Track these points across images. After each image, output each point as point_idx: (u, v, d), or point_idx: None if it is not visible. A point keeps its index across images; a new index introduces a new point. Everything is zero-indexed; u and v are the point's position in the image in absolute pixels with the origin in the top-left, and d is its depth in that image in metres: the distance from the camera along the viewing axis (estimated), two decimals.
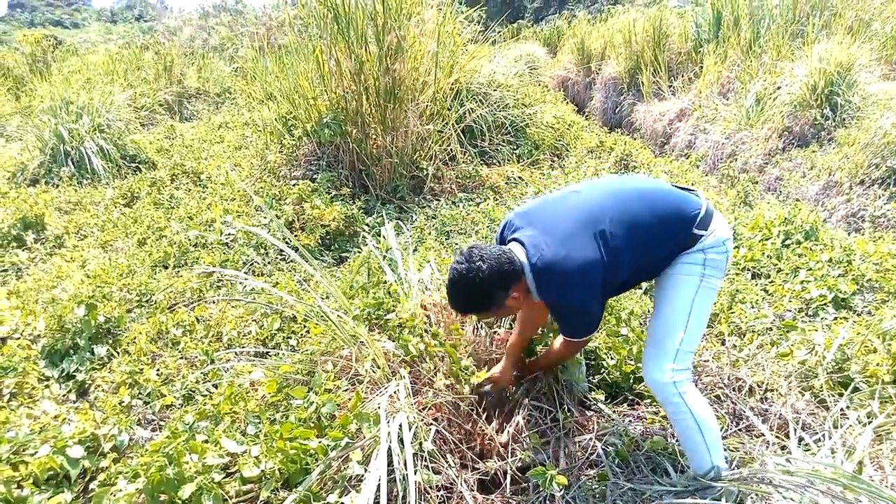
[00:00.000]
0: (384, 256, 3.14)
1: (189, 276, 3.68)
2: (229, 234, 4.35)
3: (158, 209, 4.97)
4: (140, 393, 2.77)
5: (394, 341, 2.52)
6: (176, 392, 2.76)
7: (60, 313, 3.07)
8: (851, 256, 3.38)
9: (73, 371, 2.93)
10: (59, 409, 2.65)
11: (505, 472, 2.30)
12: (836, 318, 2.91)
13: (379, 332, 2.55)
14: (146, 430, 2.63)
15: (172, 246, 4.16)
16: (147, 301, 3.45)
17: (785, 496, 1.83)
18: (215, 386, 2.71)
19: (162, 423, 2.70)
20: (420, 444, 1.99)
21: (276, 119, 5.65)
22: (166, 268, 3.96)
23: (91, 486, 2.32)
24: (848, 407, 2.26)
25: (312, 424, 2.09)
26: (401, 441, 1.95)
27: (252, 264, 4.01)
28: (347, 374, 2.34)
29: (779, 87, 7.26)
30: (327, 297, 2.93)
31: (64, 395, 2.84)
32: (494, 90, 6.28)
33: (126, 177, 6.37)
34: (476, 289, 1.94)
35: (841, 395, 2.32)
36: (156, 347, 3.04)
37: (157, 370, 2.84)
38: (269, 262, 4.08)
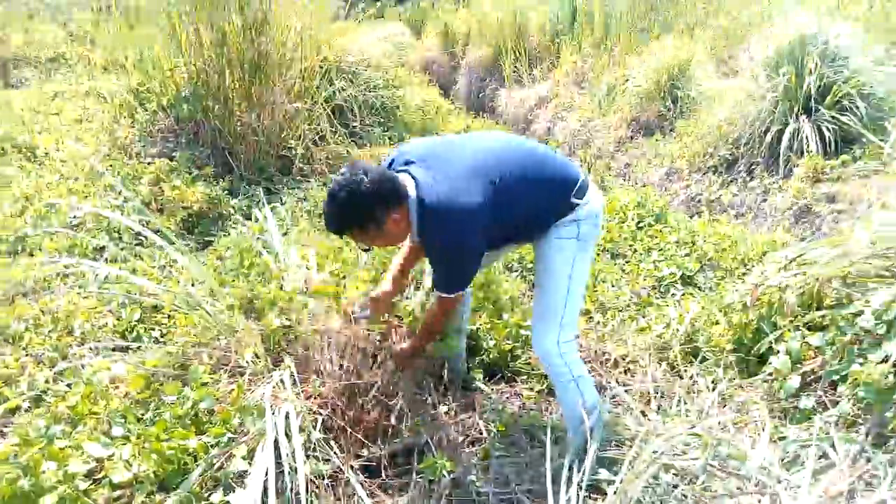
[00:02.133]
0: (257, 238, 3.00)
1: (30, 265, 3.30)
2: (75, 217, 3.95)
3: None
4: None
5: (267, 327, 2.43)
6: (21, 394, 2.48)
7: None
8: (695, 237, 3.75)
9: None
10: None
11: (391, 455, 2.32)
12: (683, 294, 3.21)
13: (255, 320, 2.45)
14: None
15: (6, 230, 3.70)
16: None
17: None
18: (69, 385, 2.46)
19: (5, 429, 2.41)
20: (308, 434, 1.95)
21: (126, 91, 5.18)
22: (0, 255, 3.52)
23: None
24: (698, 374, 2.51)
25: (190, 422, 1.96)
26: (287, 433, 1.90)
27: (104, 251, 3.67)
28: (225, 366, 2.22)
29: (627, 80, 7.83)
30: (193, 284, 2.75)
31: None
32: (364, 70, 6.19)
33: None
34: (356, 198, 1.89)
35: (691, 363, 2.57)
36: None
37: None
38: (123, 248, 3.75)
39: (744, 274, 3.35)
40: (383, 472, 2.30)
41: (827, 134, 4.60)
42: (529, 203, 2.07)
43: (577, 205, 2.10)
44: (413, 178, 2.01)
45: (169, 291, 2.63)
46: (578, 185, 2.10)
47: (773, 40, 5.42)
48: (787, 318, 2.45)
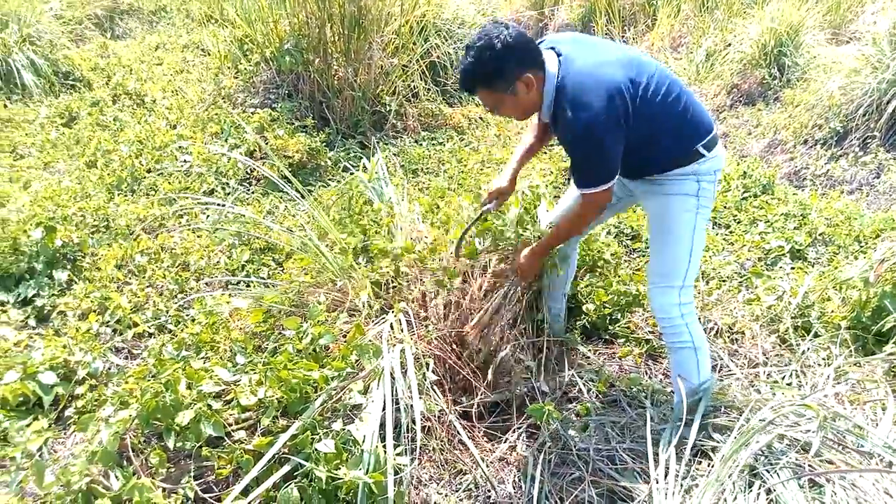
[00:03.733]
0: (372, 187, 3.07)
1: (149, 203, 3.50)
2: (185, 162, 4.14)
3: (104, 131, 4.65)
4: (108, 321, 2.66)
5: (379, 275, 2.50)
6: (148, 321, 2.67)
7: (14, 235, 2.87)
8: (806, 211, 3.57)
9: (32, 296, 2.77)
10: (18, 336, 2.52)
11: (494, 403, 2.38)
12: (793, 268, 3.09)
13: (368, 263, 2.52)
14: (118, 358, 2.54)
15: (125, 170, 3.92)
16: (106, 227, 3.27)
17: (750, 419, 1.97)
18: (191, 318, 2.63)
19: (133, 351, 2.61)
20: (423, 374, 2.02)
21: (231, 42, 5.34)
22: (121, 192, 3.74)
23: (65, 413, 2.24)
24: (810, 349, 2.43)
25: (309, 355, 2.06)
26: (403, 371, 1.97)
27: (213, 193, 3.85)
28: (340, 305, 2.31)
29: (729, 45, 7.43)
30: (307, 228, 2.86)
31: (22, 322, 2.68)
32: (458, 27, 6.13)
33: (59, 95, 5.90)
34: (491, 49, 1.85)
35: (803, 338, 2.49)
36: (122, 275, 2.91)
37: (127, 298, 2.72)
38: (230, 192, 3.92)
39: (858, 251, 3.19)
40: (480, 420, 2.36)
41: None
42: (658, 126, 1.97)
43: (703, 157, 2.02)
44: (557, 54, 1.96)
45: (288, 232, 2.75)
46: (711, 136, 2.03)
47: None
48: None
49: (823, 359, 2.41)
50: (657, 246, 2.14)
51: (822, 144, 5.29)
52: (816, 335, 2.52)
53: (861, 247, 3.25)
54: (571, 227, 2.23)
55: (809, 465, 1.76)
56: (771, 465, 1.80)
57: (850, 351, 2.40)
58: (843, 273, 2.71)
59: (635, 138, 1.95)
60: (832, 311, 2.63)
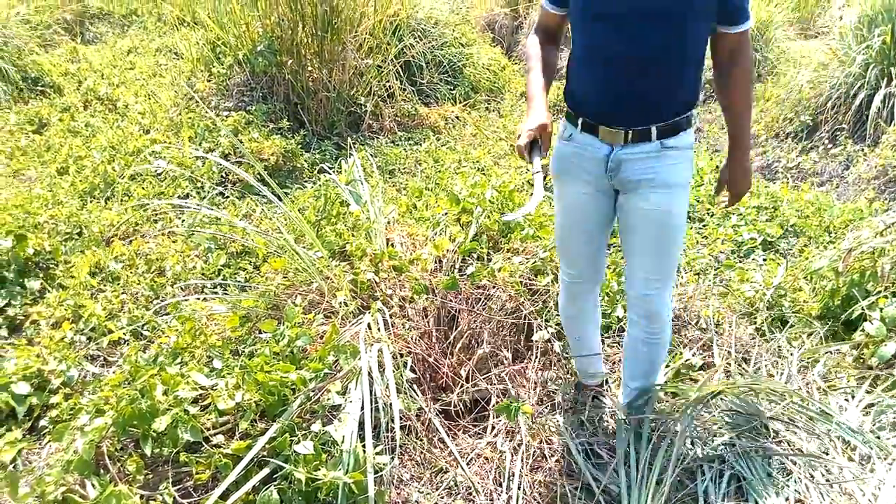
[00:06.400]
0: (348, 189, 3.07)
1: (123, 209, 3.46)
2: (159, 166, 4.10)
3: (76, 137, 4.59)
4: (83, 329, 2.63)
5: (356, 274, 2.51)
6: (123, 328, 2.64)
7: None
8: (777, 203, 3.64)
9: (3, 306, 2.72)
10: None
11: (473, 401, 2.39)
12: (765, 260, 3.14)
13: (347, 265, 2.53)
14: (93, 366, 2.51)
15: (97, 176, 3.88)
16: (79, 234, 3.23)
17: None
18: (166, 323, 2.61)
19: (109, 359, 2.58)
20: (400, 372, 2.02)
21: (204, 43, 5.29)
22: (94, 199, 3.70)
23: (39, 423, 2.21)
24: (785, 339, 2.48)
25: (286, 357, 2.06)
26: (381, 370, 1.97)
27: (188, 198, 3.82)
28: (317, 307, 2.31)
29: None
30: (282, 231, 2.85)
31: None
32: (433, 27, 6.14)
33: (28, 101, 5.81)
34: None
35: (780, 329, 2.54)
36: (95, 282, 2.87)
37: (101, 305, 2.69)
38: (206, 197, 3.89)
39: (829, 242, 3.25)
40: (461, 417, 2.37)
41: None
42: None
43: (691, 126, 1.77)
44: None
45: (262, 235, 2.74)
46: (693, 105, 1.80)
47: None
48: (882, 285, 2.38)
49: (797, 348, 2.46)
50: (658, 247, 1.84)
51: (793, 138, 5.39)
52: (790, 325, 2.57)
53: (831, 237, 3.32)
54: (748, 99, 1.87)
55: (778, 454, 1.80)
56: (738, 454, 1.83)
57: (822, 339, 2.46)
58: (813, 263, 2.77)
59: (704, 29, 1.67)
60: (804, 301, 2.68)
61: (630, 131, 1.73)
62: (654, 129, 1.71)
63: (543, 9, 1.87)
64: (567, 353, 2.54)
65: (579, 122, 1.79)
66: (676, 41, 1.63)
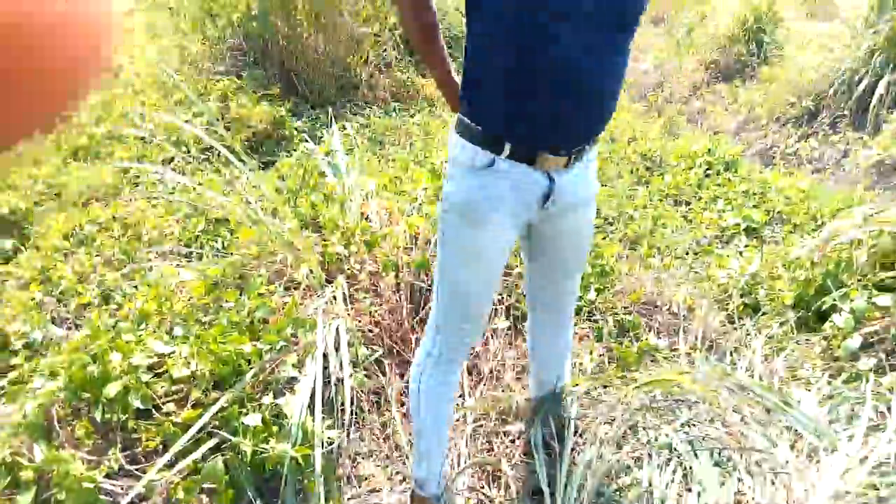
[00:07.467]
0: (322, 159, 3.03)
1: (104, 170, 3.44)
2: (145, 128, 4.07)
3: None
4: (52, 290, 2.63)
5: (324, 247, 2.49)
6: (92, 291, 2.64)
7: None
8: (766, 189, 3.58)
9: None
10: None
11: None
12: (747, 246, 3.10)
13: (319, 237, 2.50)
14: (61, 328, 2.51)
15: (81, 137, 3.85)
16: (57, 195, 3.21)
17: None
18: (136, 287, 2.60)
19: (77, 322, 2.58)
20: (356, 349, 2.01)
21: (198, 4, 5.21)
22: (76, 160, 3.68)
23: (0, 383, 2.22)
24: (753, 326, 2.45)
25: (245, 328, 2.05)
26: (336, 347, 1.96)
27: (173, 162, 3.79)
28: (282, 279, 2.30)
29: (708, 19, 7.40)
30: (259, 200, 2.83)
31: None
32: None
33: None
34: None
35: (751, 317, 2.51)
36: (69, 244, 2.87)
37: (72, 267, 2.68)
38: (190, 162, 3.86)
39: (814, 230, 3.20)
40: None
41: None
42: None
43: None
44: None
45: (234, 205, 2.71)
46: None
47: None
48: (856, 276, 2.33)
49: (768, 337, 2.43)
50: (583, 260, 1.75)
51: (793, 123, 5.29)
52: (764, 313, 2.54)
53: (817, 225, 3.27)
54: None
55: (727, 444, 1.78)
56: (689, 442, 1.82)
57: (792, 328, 2.43)
58: (793, 251, 2.72)
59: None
60: (780, 290, 2.65)
61: (572, 154, 1.41)
62: (590, 144, 1.46)
63: None
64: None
65: (506, 148, 1.37)
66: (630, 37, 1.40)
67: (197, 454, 1.75)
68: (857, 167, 4.29)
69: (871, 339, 2.14)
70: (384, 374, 2.25)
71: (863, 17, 5.00)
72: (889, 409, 1.81)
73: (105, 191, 3.32)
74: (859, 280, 2.30)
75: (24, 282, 2.63)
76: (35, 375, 1.98)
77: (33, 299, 2.51)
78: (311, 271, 2.26)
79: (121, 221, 3.08)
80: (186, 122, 4.13)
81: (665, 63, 7.41)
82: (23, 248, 2.85)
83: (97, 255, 2.83)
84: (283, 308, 2.13)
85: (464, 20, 1.61)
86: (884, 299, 2.16)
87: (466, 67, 1.38)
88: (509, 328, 2.56)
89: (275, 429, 1.81)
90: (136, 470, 1.78)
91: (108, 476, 1.74)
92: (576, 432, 2.02)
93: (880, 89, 4.52)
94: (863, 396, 1.86)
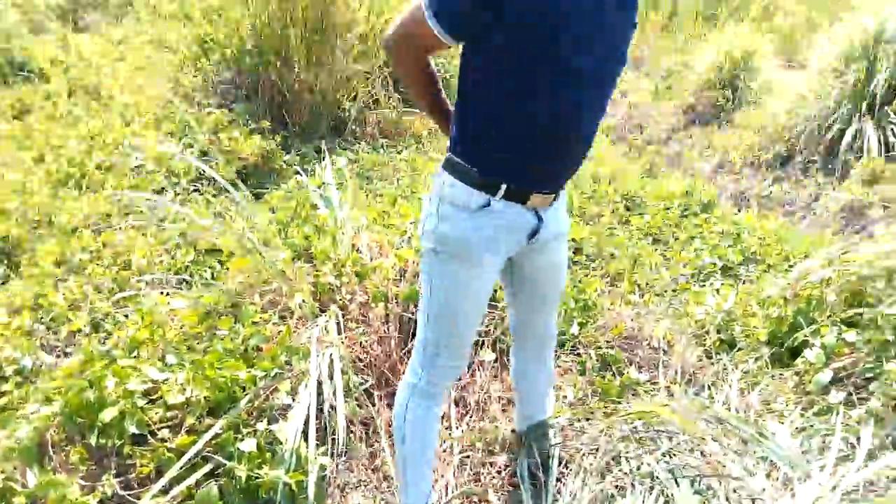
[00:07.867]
0: (314, 192, 3.11)
1: (95, 199, 3.48)
2: (137, 158, 4.12)
3: (56, 125, 4.59)
4: (43, 318, 2.64)
5: (316, 277, 2.55)
6: (83, 318, 2.66)
7: None
8: (740, 230, 3.73)
9: None
10: None
11: None
12: (722, 284, 3.22)
13: (311, 267, 2.56)
14: (50, 356, 2.52)
15: (73, 166, 3.89)
16: (48, 223, 3.24)
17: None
18: (126, 315, 2.63)
19: (67, 349, 2.60)
20: (348, 378, 2.06)
21: (192, 39, 5.32)
22: (67, 189, 3.71)
23: None
24: (730, 361, 2.55)
25: (239, 356, 2.09)
26: (330, 375, 2.01)
27: (163, 192, 3.84)
28: (275, 307, 2.35)
29: (686, 66, 7.69)
30: (251, 229, 2.88)
31: None
32: None
33: (13, 86, 5.81)
34: None
35: (727, 352, 2.60)
36: (60, 272, 2.89)
37: (63, 295, 2.70)
38: (179, 193, 3.92)
39: (787, 270, 3.34)
40: None
41: (891, 137, 4.48)
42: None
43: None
44: None
45: (228, 234, 2.77)
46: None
47: (845, 35, 5.26)
48: (826, 313, 2.45)
49: (744, 372, 2.53)
50: (556, 297, 1.84)
51: (767, 167, 5.51)
52: (739, 348, 2.64)
53: (790, 265, 3.40)
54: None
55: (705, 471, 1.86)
56: (670, 471, 1.89)
57: (766, 363, 2.53)
58: (766, 290, 2.84)
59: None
60: (754, 327, 2.75)
61: (557, 192, 1.55)
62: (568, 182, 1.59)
63: (437, 36, 1.36)
64: None
65: (501, 189, 1.45)
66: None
67: (191, 480, 1.78)
68: (827, 211, 4.48)
69: (841, 374, 2.25)
70: (373, 404, 2.30)
71: (832, 69, 5.27)
72: (858, 440, 1.90)
73: (96, 220, 3.35)
74: (829, 317, 2.42)
75: (15, 309, 2.64)
76: (27, 402, 2.00)
77: (21, 326, 2.52)
78: (304, 301, 2.31)
79: (112, 250, 3.10)
80: (176, 154, 4.20)
81: (643, 106, 7.67)
82: (12, 275, 2.87)
83: (88, 283, 2.85)
84: (277, 336, 2.18)
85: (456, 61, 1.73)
86: (852, 335, 2.27)
87: (462, 112, 1.48)
88: (495, 361, 2.63)
89: (268, 455, 1.85)
90: (131, 496, 1.79)
91: (101, 502, 1.76)
92: (560, 463, 2.09)
93: (848, 136, 4.75)
94: (833, 428, 1.95)
